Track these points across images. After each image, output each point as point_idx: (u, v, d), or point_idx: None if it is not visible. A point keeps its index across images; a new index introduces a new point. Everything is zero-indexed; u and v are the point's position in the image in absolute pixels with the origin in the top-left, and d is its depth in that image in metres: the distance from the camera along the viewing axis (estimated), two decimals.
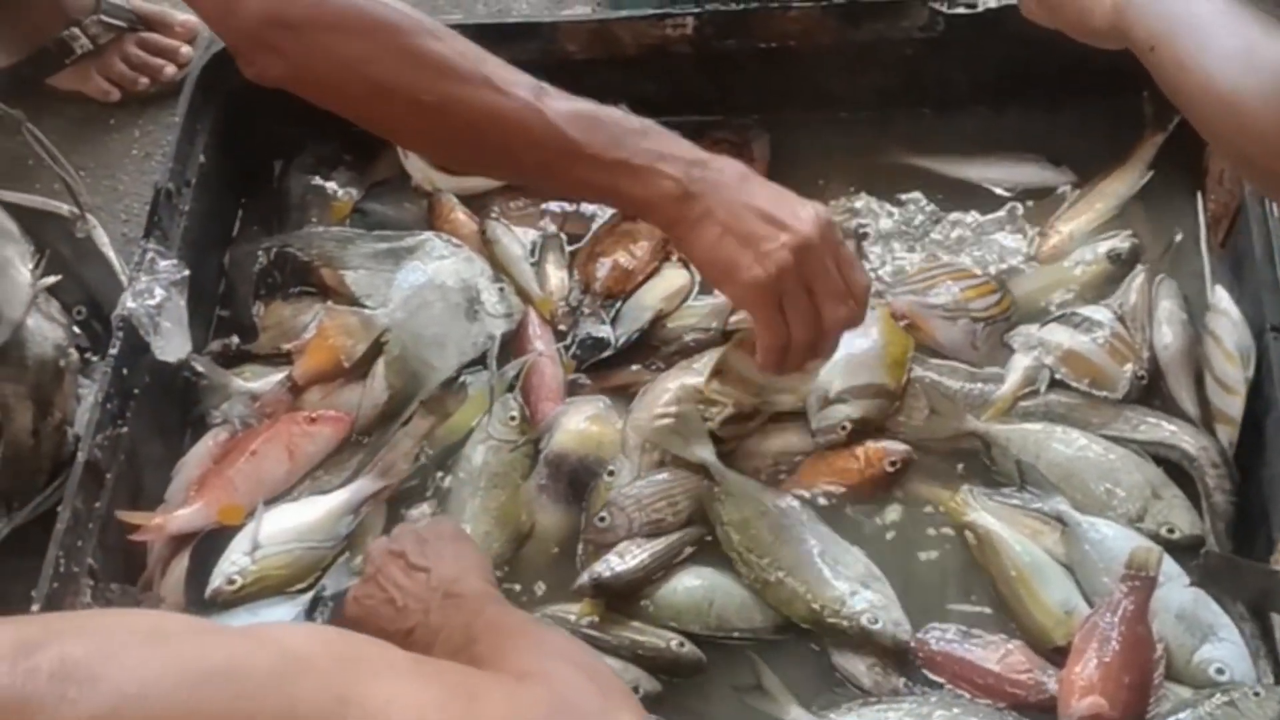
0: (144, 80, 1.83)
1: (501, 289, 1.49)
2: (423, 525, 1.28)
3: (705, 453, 1.34)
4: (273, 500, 1.37)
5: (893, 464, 1.35)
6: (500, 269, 1.53)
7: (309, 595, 1.31)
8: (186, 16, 1.85)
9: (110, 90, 1.82)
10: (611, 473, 1.37)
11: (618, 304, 1.49)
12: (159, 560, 1.35)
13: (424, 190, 1.60)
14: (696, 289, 1.51)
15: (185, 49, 1.84)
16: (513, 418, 1.39)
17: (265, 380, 1.46)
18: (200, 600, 1.32)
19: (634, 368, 1.47)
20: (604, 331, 1.47)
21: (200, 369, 1.44)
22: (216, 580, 1.32)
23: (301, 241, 1.54)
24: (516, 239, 1.56)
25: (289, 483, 1.40)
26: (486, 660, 0.98)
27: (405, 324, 1.47)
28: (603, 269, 1.51)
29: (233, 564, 1.32)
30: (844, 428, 1.37)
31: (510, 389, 1.43)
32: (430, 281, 1.49)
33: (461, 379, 1.45)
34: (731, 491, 1.33)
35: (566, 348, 1.48)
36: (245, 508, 1.35)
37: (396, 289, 1.49)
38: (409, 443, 1.41)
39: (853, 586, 1.27)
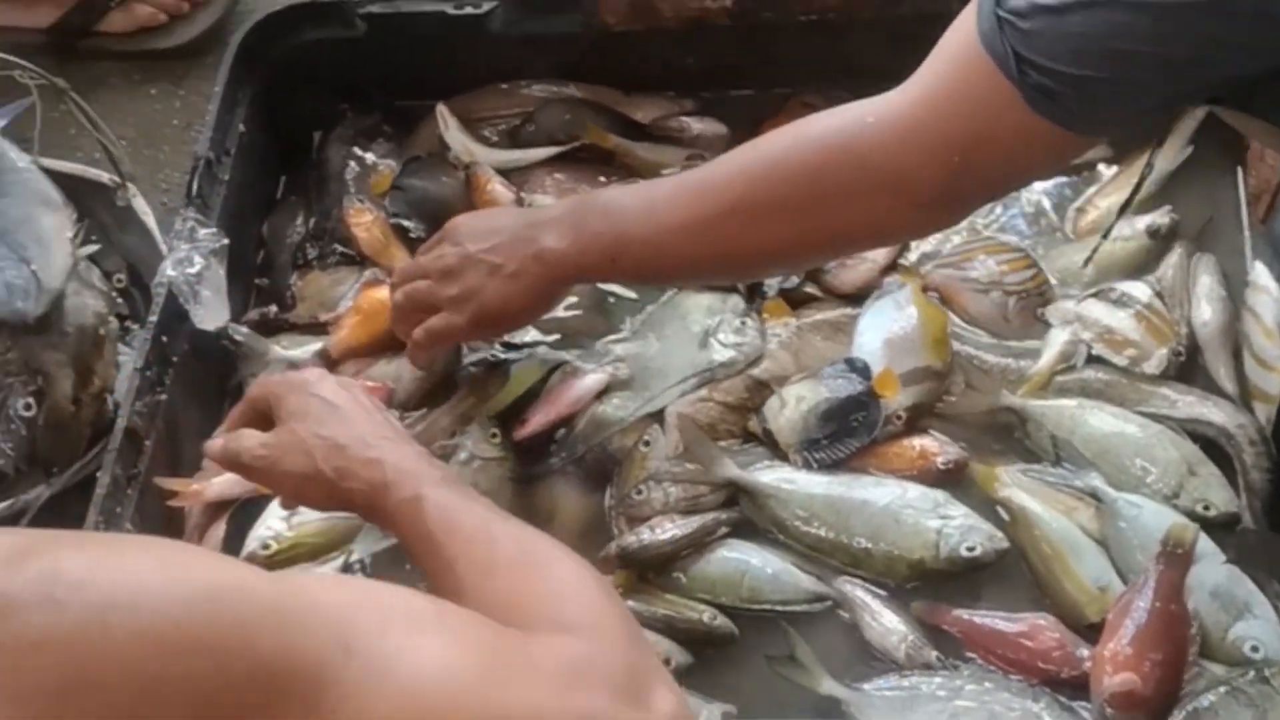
0: (186, 4, 1.85)
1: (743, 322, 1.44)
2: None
3: (728, 471, 1.33)
4: None
5: (945, 464, 1.34)
6: None
7: (339, 560, 1.32)
8: None
9: (158, 14, 1.84)
10: (647, 443, 1.37)
11: None
12: (196, 527, 1.36)
13: (461, 162, 1.60)
14: None
15: None
16: (493, 435, 1.36)
17: (304, 349, 1.46)
18: None
19: None
20: None
21: (239, 337, 1.45)
22: (251, 545, 1.32)
23: None
24: None
25: None
26: (479, 589, 0.89)
27: None
28: None
29: (269, 529, 1.33)
30: (899, 417, 1.36)
31: (545, 380, 1.42)
32: None
33: (505, 358, 1.44)
34: (770, 493, 1.32)
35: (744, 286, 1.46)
36: None
37: None
38: (447, 420, 1.40)
39: (935, 522, 1.28)
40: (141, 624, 0.62)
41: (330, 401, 1.07)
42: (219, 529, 1.35)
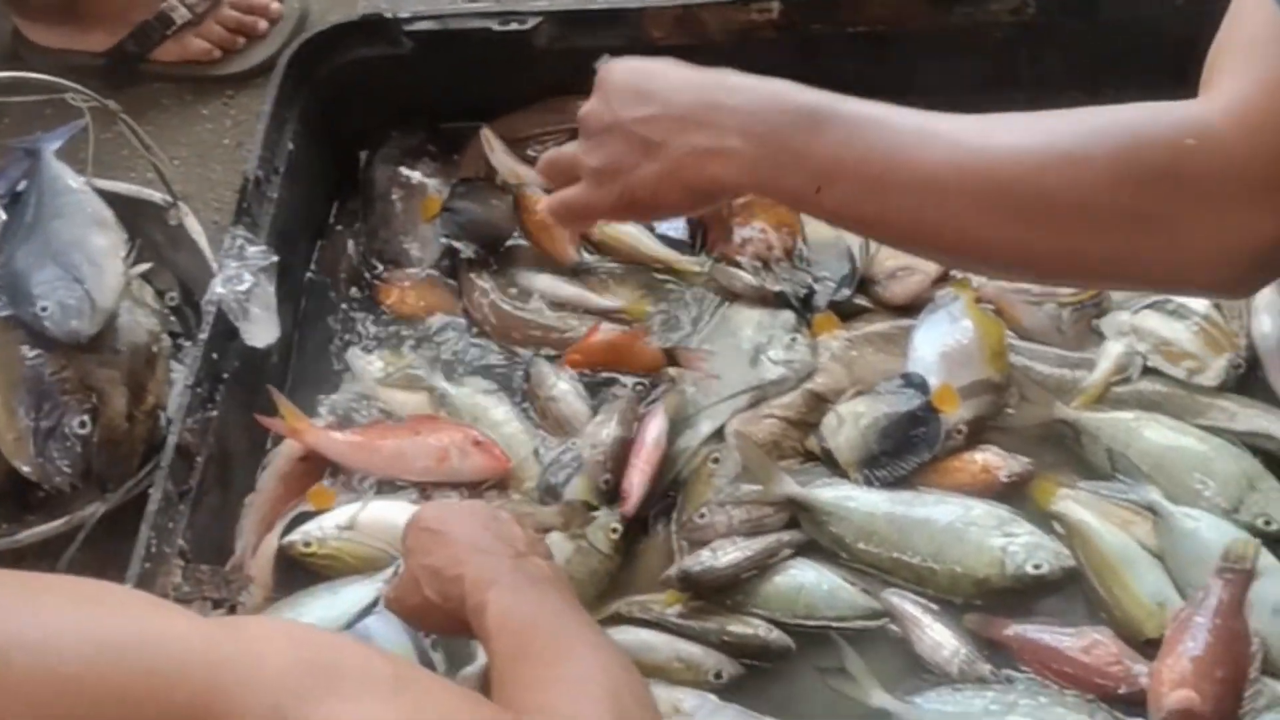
0: (241, 39, 1.88)
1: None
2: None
3: (787, 488, 1.31)
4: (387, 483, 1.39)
5: (1009, 478, 1.32)
6: (616, 253, 1.55)
7: (389, 570, 1.31)
8: None
9: (212, 49, 1.87)
10: (716, 460, 1.36)
11: (803, 256, 1.50)
12: (249, 543, 1.37)
13: (510, 185, 1.60)
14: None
15: (275, 5, 1.90)
16: (615, 530, 1.32)
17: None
18: (287, 581, 1.34)
19: None
20: (810, 282, 1.48)
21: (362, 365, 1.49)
22: (296, 535, 1.34)
23: None
24: None
25: (417, 479, 1.40)
26: (502, 677, 0.92)
27: None
28: (755, 231, 1.50)
29: (320, 529, 1.34)
30: (960, 432, 1.34)
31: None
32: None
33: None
34: (830, 511, 1.31)
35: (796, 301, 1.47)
36: (337, 494, 1.38)
37: None
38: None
39: (1000, 540, 1.27)
40: (46, 664, 0.63)
41: (431, 529, 1.09)
42: (271, 543, 1.36)
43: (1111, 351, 1.38)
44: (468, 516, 1.10)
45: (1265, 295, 1.38)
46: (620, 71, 1.05)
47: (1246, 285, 0.92)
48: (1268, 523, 1.26)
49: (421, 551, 1.08)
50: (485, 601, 0.98)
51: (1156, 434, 1.32)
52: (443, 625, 1.07)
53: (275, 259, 1.41)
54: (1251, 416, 1.32)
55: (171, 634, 0.69)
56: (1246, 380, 1.36)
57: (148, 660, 0.66)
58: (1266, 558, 1.21)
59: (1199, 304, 1.38)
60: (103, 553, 1.35)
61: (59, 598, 0.69)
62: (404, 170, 1.63)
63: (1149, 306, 1.39)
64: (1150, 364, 1.37)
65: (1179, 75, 1.50)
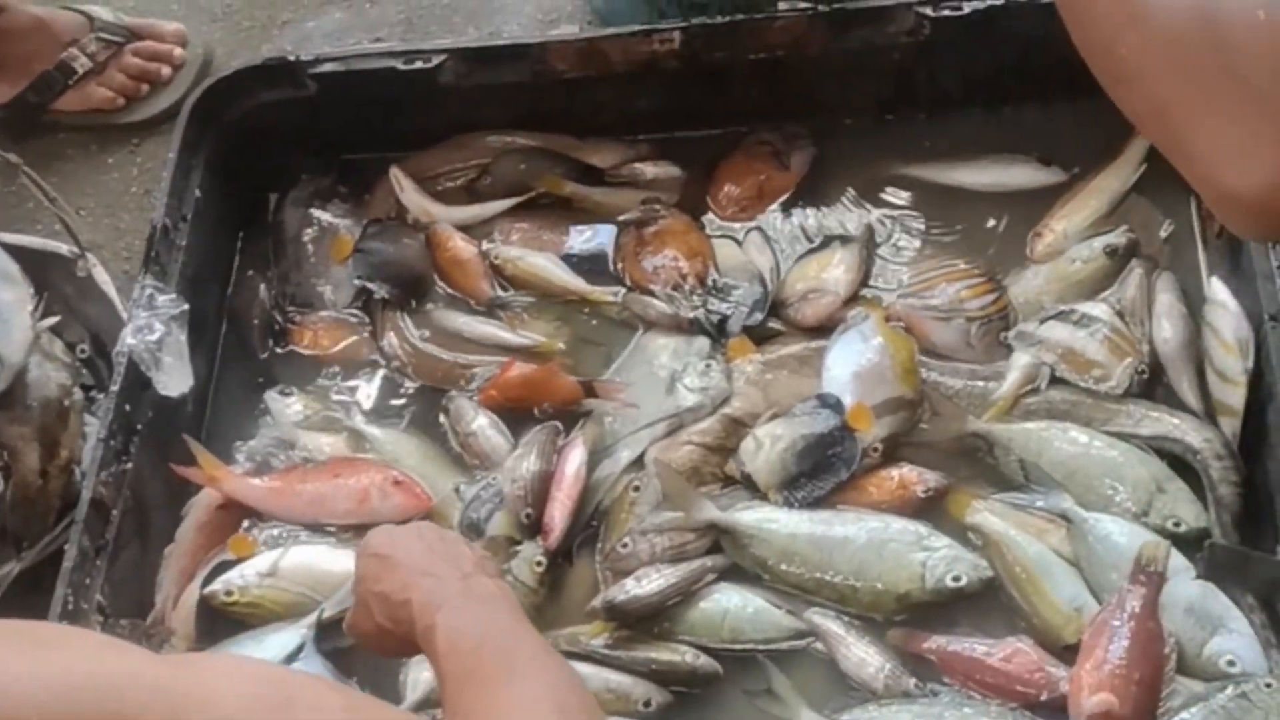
0: (145, 86, 1.86)
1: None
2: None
3: (707, 513, 1.32)
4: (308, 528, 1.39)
5: (926, 493, 1.34)
6: (530, 286, 1.55)
7: (312, 617, 1.31)
8: (176, 26, 1.90)
9: (116, 97, 1.85)
10: (637, 488, 1.37)
11: (715, 282, 1.51)
12: (169, 595, 1.36)
13: (421, 223, 1.60)
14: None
15: (178, 51, 1.88)
16: (539, 563, 1.33)
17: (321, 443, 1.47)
18: (210, 631, 1.33)
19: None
20: (723, 308, 1.48)
21: (287, 408, 1.48)
22: (218, 584, 1.33)
23: None
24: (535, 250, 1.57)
25: (338, 522, 1.40)
26: (453, 699, 0.92)
27: None
28: (667, 259, 1.51)
29: (241, 577, 1.34)
30: (876, 449, 1.36)
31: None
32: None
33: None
34: (751, 533, 1.32)
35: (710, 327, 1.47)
36: (258, 543, 1.38)
37: None
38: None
39: (919, 555, 1.29)
40: (7, 711, 0.62)
41: (379, 555, 1.08)
42: (191, 595, 1.35)
43: (1020, 363, 1.40)
44: (415, 539, 1.10)
45: (1164, 301, 1.42)
46: None
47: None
48: (1177, 524, 1.28)
49: (371, 578, 1.07)
50: (434, 625, 0.98)
51: (1066, 442, 1.34)
52: (398, 649, 1.08)
53: (186, 307, 1.40)
54: (1156, 420, 1.35)
55: (128, 675, 0.69)
56: (1151, 385, 1.38)
57: (106, 703, 0.66)
58: (1176, 558, 1.23)
59: (1102, 312, 1.41)
60: (20, 611, 1.33)
61: (8, 643, 0.68)
62: (315, 212, 1.63)
63: (1055, 317, 1.42)
64: (1058, 373, 1.39)
65: (1073, 89, 1.54)
